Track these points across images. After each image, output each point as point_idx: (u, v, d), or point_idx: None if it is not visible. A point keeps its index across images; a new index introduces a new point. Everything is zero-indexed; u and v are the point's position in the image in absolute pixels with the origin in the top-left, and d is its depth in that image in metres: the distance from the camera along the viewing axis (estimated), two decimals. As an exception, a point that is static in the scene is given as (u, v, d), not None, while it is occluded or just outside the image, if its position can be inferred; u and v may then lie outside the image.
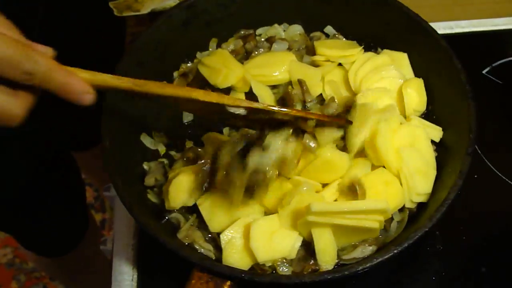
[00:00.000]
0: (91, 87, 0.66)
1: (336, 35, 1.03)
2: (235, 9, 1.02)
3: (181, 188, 0.84)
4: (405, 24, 0.95)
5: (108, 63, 1.26)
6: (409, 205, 0.83)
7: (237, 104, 0.76)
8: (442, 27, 1.22)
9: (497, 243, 0.93)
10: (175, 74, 1.01)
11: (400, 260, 0.75)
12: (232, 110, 0.76)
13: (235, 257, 0.78)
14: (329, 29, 1.04)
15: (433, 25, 1.08)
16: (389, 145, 0.84)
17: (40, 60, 0.60)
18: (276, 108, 0.78)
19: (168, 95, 0.74)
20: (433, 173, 0.85)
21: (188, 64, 1.02)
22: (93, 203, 2.32)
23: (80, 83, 0.65)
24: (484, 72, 1.16)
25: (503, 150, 1.05)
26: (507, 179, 1.00)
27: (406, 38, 0.97)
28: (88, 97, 0.65)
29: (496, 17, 1.26)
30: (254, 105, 0.77)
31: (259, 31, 1.06)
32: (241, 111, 0.76)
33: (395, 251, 0.72)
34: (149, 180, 0.89)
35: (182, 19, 0.99)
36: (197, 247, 0.82)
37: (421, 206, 0.84)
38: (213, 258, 0.81)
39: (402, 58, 0.97)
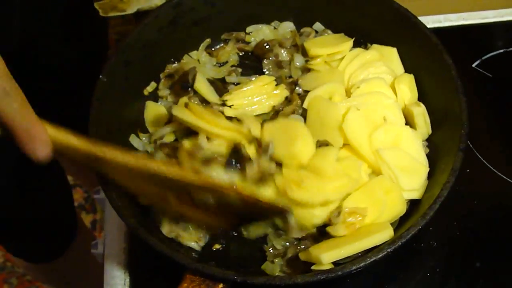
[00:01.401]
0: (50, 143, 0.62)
1: (325, 31, 1.02)
2: (223, 7, 1.01)
3: None
4: (395, 19, 0.95)
5: (91, 64, 1.26)
6: None
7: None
8: (431, 21, 1.22)
9: (491, 238, 0.93)
10: (162, 75, 1.00)
11: (394, 256, 0.75)
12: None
13: None
14: (317, 25, 1.04)
15: (422, 18, 1.07)
16: (359, 135, 0.84)
17: (16, 86, 0.58)
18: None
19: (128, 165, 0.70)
20: (423, 169, 0.84)
21: (174, 65, 1.01)
22: (84, 204, 2.30)
23: (44, 134, 0.61)
24: (474, 65, 1.15)
25: (494, 144, 1.05)
26: (499, 173, 1.00)
27: (395, 33, 0.96)
28: (45, 150, 0.61)
29: (485, 9, 1.25)
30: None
31: (249, 29, 1.05)
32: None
33: (389, 250, 0.72)
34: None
35: (169, 18, 0.98)
36: (182, 241, 0.83)
37: (414, 203, 0.84)
38: (199, 250, 0.83)
39: (392, 53, 0.96)
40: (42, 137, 0.61)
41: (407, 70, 0.96)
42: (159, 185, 0.75)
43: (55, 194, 1.31)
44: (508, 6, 1.27)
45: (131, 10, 1.07)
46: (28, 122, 0.59)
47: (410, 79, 0.92)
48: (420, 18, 0.95)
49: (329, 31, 1.02)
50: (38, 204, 1.23)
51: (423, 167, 0.84)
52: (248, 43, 1.05)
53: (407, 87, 0.91)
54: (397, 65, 0.96)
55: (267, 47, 1.02)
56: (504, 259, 0.91)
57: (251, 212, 0.80)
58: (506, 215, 0.96)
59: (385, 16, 0.96)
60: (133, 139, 0.93)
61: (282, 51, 1.02)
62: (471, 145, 1.02)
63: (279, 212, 0.80)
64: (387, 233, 0.76)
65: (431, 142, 0.90)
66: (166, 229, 0.83)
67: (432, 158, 0.87)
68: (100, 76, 0.89)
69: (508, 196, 0.98)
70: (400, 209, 0.81)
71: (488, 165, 1.00)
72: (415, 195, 0.83)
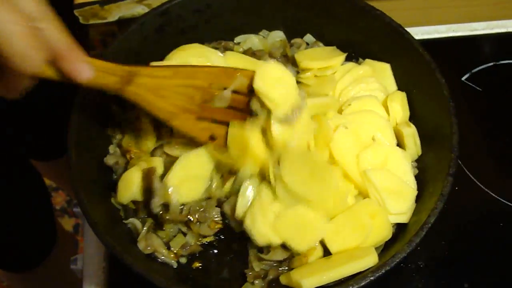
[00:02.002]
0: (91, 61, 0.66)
1: (317, 43, 1.00)
2: (210, 16, 0.99)
3: (130, 182, 0.82)
4: (387, 34, 0.93)
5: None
6: None
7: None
8: (421, 32, 1.20)
9: (480, 257, 0.92)
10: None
11: (381, 278, 0.74)
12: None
13: None
14: (308, 37, 1.01)
15: (411, 30, 1.05)
16: (346, 154, 0.84)
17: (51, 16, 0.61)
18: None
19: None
20: (411, 192, 0.83)
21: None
22: (66, 207, 2.25)
23: (85, 55, 0.64)
24: (463, 79, 1.14)
25: (484, 161, 1.04)
26: (488, 191, 0.99)
27: (388, 48, 0.94)
28: (87, 69, 0.64)
29: (475, 21, 1.24)
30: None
31: (237, 39, 1.02)
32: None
33: (372, 278, 0.71)
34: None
35: (155, 26, 0.95)
36: (159, 257, 0.81)
37: (400, 225, 0.82)
38: (175, 267, 0.82)
39: (385, 69, 0.94)
40: (84, 58, 0.64)
41: (399, 87, 0.94)
42: (184, 96, 0.79)
43: (32, 201, 1.27)
44: (497, 18, 1.26)
45: (112, 18, 1.05)
46: (69, 42, 0.62)
47: (402, 97, 0.91)
48: (409, 29, 0.93)
49: (321, 44, 1.00)
50: (15, 211, 1.20)
51: (411, 190, 0.83)
52: (237, 53, 1.02)
53: (400, 106, 0.89)
54: (390, 82, 0.94)
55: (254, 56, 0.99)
56: (493, 280, 0.90)
57: None
58: (495, 234, 0.95)
59: (377, 31, 0.94)
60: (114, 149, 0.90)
61: (272, 61, 0.99)
62: (460, 162, 1.01)
63: None
64: (371, 259, 0.74)
65: (420, 162, 0.88)
66: (142, 244, 0.81)
67: (421, 179, 0.85)
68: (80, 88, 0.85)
69: (498, 215, 0.96)
70: (385, 234, 0.80)
71: (478, 183, 0.99)
72: (402, 219, 0.82)
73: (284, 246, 0.79)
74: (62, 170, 1.52)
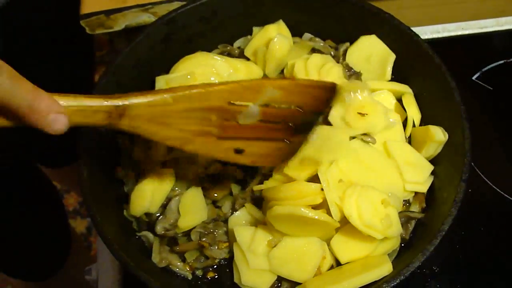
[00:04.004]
0: (63, 107, 0.55)
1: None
2: (217, 23, 0.98)
3: (143, 195, 0.81)
4: (396, 37, 0.92)
5: (77, 82, 1.23)
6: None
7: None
8: (430, 31, 1.19)
9: (495, 261, 0.91)
10: None
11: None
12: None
13: None
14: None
15: (420, 29, 1.05)
16: None
17: (3, 69, 0.51)
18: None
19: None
20: (427, 166, 0.83)
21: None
22: (78, 209, 2.26)
23: (50, 100, 0.54)
24: (474, 78, 1.13)
25: (496, 161, 1.03)
26: (501, 192, 0.98)
27: (397, 52, 0.93)
28: (60, 119, 0.54)
29: (484, 18, 1.23)
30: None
31: (236, 44, 1.02)
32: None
33: (387, 288, 0.70)
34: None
35: (161, 35, 0.94)
36: (174, 269, 0.81)
37: (413, 233, 0.82)
38: (190, 278, 0.81)
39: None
40: (53, 108, 0.54)
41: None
42: (195, 119, 0.68)
43: (45, 211, 1.28)
44: (507, 14, 1.24)
45: (118, 27, 1.04)
46: (29, 94, 0.52)
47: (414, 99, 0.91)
48: (418, 28, 0.92)
49: (317, 39, 0.99)
50: (30, 222, 1.21)
51: (428, 164, 0.84)
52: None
53: (416, 107, 0.89)
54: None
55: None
56: (510, 283, 0.89)
57: (300, 109, 0.73)
58: (509, 236, 0.94)
59: (386, 34, 0.92)
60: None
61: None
62: (472, 164, 1.00)
63: (327, 90, 0.75)
64: (386, 268, 0.74)
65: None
66: (157, 258, 0.81)
67: (434, 184, 0.84)
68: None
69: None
70: (394, 242, 0.79)
71: (491, 184, 0.98)
72: (419, 188, 0.82)
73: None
74: (72, 175, 1.53)
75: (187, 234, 0.83)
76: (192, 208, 0.82)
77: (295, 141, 0.76)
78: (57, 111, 0.55)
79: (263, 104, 0.70)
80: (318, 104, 0.77)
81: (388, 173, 0.81)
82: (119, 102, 0.62)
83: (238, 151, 0.72)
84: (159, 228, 0.81)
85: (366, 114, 0.82)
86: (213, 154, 0.72)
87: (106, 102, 0.61)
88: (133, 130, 0.65)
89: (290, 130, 0.74)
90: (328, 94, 0.77)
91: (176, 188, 0.84)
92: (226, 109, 0.69)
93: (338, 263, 0.79)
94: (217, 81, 0.87)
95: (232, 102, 0.69)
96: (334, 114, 0.82)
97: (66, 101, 0.58)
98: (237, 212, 0.82)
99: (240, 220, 0.82)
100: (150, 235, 0.83)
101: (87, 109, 0.60)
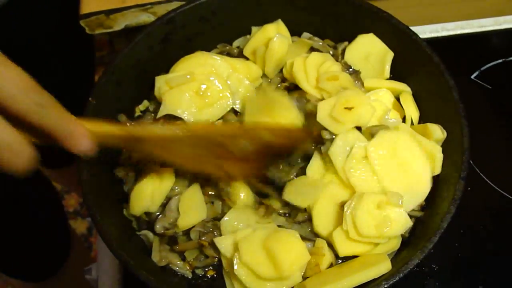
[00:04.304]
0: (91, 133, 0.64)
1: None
2: (216, 22, 0.98)
3: (142, 194, 0.82)
4: (394, 36, 0.92)
5: (77, 83, 1.23)
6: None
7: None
8: (428, 31, 1.19)
9: (494, 259, 0.91)
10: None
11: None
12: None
13: None
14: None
15: (418, 28, 1.05)
16: None
17: (48, 96, 0.58)
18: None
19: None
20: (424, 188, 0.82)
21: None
22: (79, 209, 2.27)
23: (85, 130, 0.63)
24: (472, 77, 1.13)
25: (495, 159, 1.03)
26: (500, 190, 0.98)
27: (395, 51, 0.93)
28: (87, 143, 0.63)
29: (483, 18, 1.23)
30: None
31: (235, 43, 1.02)
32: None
33: (386, 285, 0.71)
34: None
35: (161, 35, 0.94)
36: (174, 268, 0.81)
37: (413, 229, 0.82)
38: (190, 277, 0.82)
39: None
40: (84, 134, 0.63)
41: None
42: (198, 148, 0.77)
43: (45, 210, 1.28)
44: (505, 13, 1.25)
45: (118, 26, 1.05)
46: (69, 125, 0.61)
47: (412, 98, 0.91)
48: (416, 28, 0.93)
49: (316, 38, 0.99)
50: (29, 223, 1.21)
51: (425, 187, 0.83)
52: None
53: (414, 106, 0.89)
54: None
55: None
56: (509, 281, 0.90)
57: (284, 146, 0.82)
58: (509, 235, 0.94)
59: (384, 33, 0.93)
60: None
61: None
62: (471, 162, 1.00)
63: (305, 137, 0.84)
64: (385, 266, 0.74)
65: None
66: (157, 257, 0.82)
67: (433, 181, 0.84)
68: (90, 99, 0.86)
69: (511, 215, 0.96)
70: (395, 243, 0.79)
71: (490, 182, 0.99)
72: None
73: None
74: (72, 176, 1.53)
75: (187, 233, 0.83)
76: (192, 207, 0.82)
77: (268, 164, 0.84)
78: (87, 135, 0.64)
79: (256, 141, 0.79)
80: (298, 144, 0.85)
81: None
82: (137, 132, 0.71)
83: (226, 172, 0.81)
84: (158, 227, 0.82)
85: (353, 108, 0.82)
86: (205, 171, 0.81)
87: (126, 131, 0.70)
88: (142, 153, 0.78)
89: (269, 157, 0.82)
90: (305, 139, 0.85)
91: (176, 188, 0.84)
92: (225, 142, 0.78)
93: (336, 262, 0.79)
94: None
95: (233, 137, 0.79)
96: (321, 113, 0.83)
97: (93, 127, 0.66)
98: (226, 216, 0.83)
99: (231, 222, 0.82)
100: (150, 234, 0.83)
101: (109, 135, 0.69)
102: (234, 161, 0.80)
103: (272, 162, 0.84)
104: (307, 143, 0.85)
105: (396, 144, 0.82)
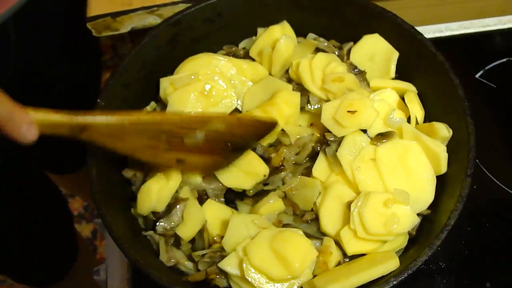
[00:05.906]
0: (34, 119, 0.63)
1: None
2: (222, 24, 0.99)
3: (149, 194, 0.82)
4: (399, 35, 0.92)
5: (86, 85, 1.24)
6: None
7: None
8: (432, 31, 1.20)
9: (501, 256, 0.92)
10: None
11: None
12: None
13: None
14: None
15: (423, 28, 1.05)
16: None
17: None
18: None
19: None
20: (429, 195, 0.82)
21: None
22: (83, 213, 2.28)
23: (23, 112, 0.62)
24: (477, 76, 1.14)
25: (501, 157, 1.04)
26: (506, 188, 0.98)
27: (400, 50, 0.93)
28: (31, 130, 0.62)
29: (487, 17, 1.24)
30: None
31: (241, 45, 1.02)
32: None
33: (394, 282, 0.71)
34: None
35: (167, 37, 0.95)
36: (181, 268, 0.82)
37: (420, 227, 0.82)
38: None
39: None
40: (26, 120, 0.62)
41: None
42: (147, 137, 0.78)
43: (51, 215, 1.29)
44: (509, 12, 1.25)
45: (124, 29, 1.05)
46: (7, 109, 0.60)
47: (417, 97, 0.91)
48: (421, 28, 0.93)
49: (321, 39, 0.99)
50: (36, 228, 1.21)
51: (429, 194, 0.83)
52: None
53: (418, 105, 0.90)
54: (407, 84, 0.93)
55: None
56: (515, 278, 0.90)
57: (241, 137, 0.84)
58: (514, 232, 0.94)
59: (389, 33, 0.93)
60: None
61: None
62: (477, 161, 1.00)
63: (267, 127, 0.85)
64: (393, 263, 0.74)
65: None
66: (165, 258, 0.82)
67: (439, 180, 0.84)
68: (98, 100, 0.86)
69: (517, 212, 0.96)
70: (401, 241, 0.80)
71: (496, 180, 0.99)
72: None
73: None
74: (77, 182, 1.54)
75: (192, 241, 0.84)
76: (196, 218, 0.83)
77: (230, 157, 0.85)
78: (31, 122, 0.63)
79: (208, 131, 0.81)
80: (257, 135, 0.86)
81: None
82: (80, 120, 0.71)
83: (180, 161, 0.82)
84: (159, 228, 0.82)
85: (356, 111, 0.82)
86: (158, 162, 0.83)
87: (70, 119, 0.70)
88: (91, 141, 0.75)
89: (227, 149, 0.84)
90: (267, 130, 0.86)
91: (187, 196, 0.85)
92: (175, 132, 0.80)
93: (344, 261, 0.80)
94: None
95: (182, 126, 0.80)
96: (325, 115, 0.84)
97: (36, 115, 0.66)
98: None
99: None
100: (155, 235, 0.83)
101: (53, 123, 0.68)
102: (193, 153, 0.81)
103: (233, 156, 0.85)
104: (269, 136, 0.87)
105: (406, 151, 0.82)
